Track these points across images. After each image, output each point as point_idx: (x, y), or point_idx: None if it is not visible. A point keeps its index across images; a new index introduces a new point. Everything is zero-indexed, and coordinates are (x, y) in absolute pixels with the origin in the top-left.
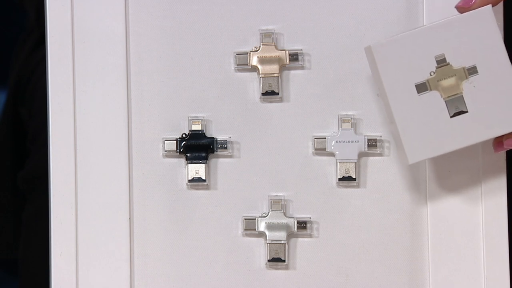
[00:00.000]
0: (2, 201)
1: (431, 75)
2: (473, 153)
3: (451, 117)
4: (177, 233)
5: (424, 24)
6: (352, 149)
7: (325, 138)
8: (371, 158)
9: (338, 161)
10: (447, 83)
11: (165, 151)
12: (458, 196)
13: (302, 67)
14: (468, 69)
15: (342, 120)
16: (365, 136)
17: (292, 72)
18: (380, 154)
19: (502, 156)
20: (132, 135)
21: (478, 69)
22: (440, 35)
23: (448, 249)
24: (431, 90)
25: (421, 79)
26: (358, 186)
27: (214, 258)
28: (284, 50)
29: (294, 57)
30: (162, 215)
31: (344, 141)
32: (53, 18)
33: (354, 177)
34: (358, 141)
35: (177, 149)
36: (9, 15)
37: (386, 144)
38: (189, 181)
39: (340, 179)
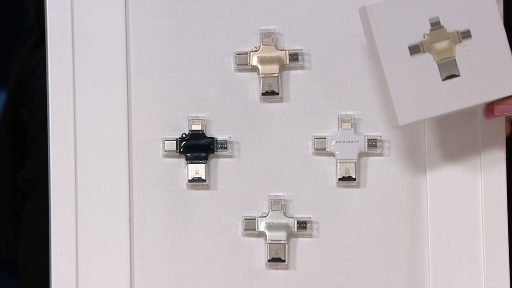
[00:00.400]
0: (2, 201)
1: (424, 37)
2: (472, 152)
3: (443, 80)
4: (177, 233)
5: None
6: (352, 149)
7: (325, 138)
8: (371, 158)
9: (338, 161)
10: (440, 46)
11: (165, 151)
12: (458, 197)
13: (302, 67)
14: (462, 33)
15: (342, 120)
16: (365, 136)
17: (292, 72)
18: (380, 154)
19: (502, 156)
20: (132, 135)
21: (472, 33)
22: None
23: (448, 249)
24: (424, 52)
25: (414, 41)
26: (358, 186)
27: (214, 258)
28: (284, 50)
29: (294, 57)
30: (162, 215)
31: (344, 141)
32: (53, 18)
33: (354, 177)
34: (358, 141)
35: (177, 149)
36: (9, 15)
37: (386, 144)
38: (189, 181)
39: (340, 179)
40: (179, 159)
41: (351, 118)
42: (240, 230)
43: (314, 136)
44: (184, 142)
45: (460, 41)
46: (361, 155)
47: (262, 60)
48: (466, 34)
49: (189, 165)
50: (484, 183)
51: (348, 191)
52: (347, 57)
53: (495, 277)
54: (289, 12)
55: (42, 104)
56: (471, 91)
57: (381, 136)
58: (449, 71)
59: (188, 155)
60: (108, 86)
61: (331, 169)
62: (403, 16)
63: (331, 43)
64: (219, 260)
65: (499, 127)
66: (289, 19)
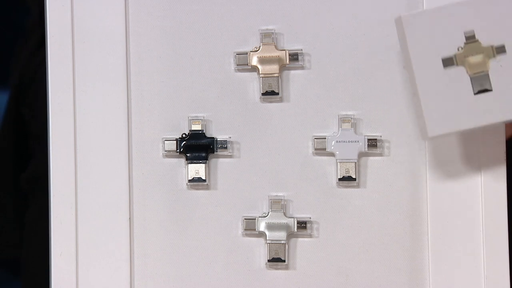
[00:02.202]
0: (5, 202)
1: (459, 50)
2: (472, 152)
3: (475, 94)
4: (177, 233)
5: None
6: (352, 149)
7: (325, 138)
8: (371, 158)
9: (338, 161)
10: (474, 59)
11: (165, 151)
12: (458, 196)
13: (302, 67)
14: (496, 48)
15: (342, 120)
16: (365, 136)
17: (292, 72)
18: (380, 154)
19: (502, 157)
20: (132, 135)
21: (506, 48)
22: (472, 11)
23: (448, 249)
24: (457, 65)
25: (448, 53)
26: (358, 186)
27: (214, 258)
28: (284, 50)
29: (294, 57)
30: (162, 215)
31: (344, 141)
32: (53, 18)
33: (354, 177)
34: (358, 141)
35: (177, 149)
36: (9, 15)
37: (386, 144)
38: (189, 181)
39: (340, 179)
40: (179, 159)
41: (351, 118)
42: (240, 230)
43: (314, 136)
44: (184, 142)
45: (494, 56)
46: (361, 155)
47: (262, 60)
48: (501, 49)
49: (189, 165)
50: (484, 183)
51: (348, 191)
52: (347, 57)
53: (495, 277)
54: (289, 12)
55: (45, 104)
56: (503, 106)
57: (381, 136)
58: (481, 85)
59: (188, 155)
60: (108, 86)
61: (331, 169)
62: (438, 28)
63: (331, 43)
64: (219, 260)
65: (499, 128)
66: (289, 19)
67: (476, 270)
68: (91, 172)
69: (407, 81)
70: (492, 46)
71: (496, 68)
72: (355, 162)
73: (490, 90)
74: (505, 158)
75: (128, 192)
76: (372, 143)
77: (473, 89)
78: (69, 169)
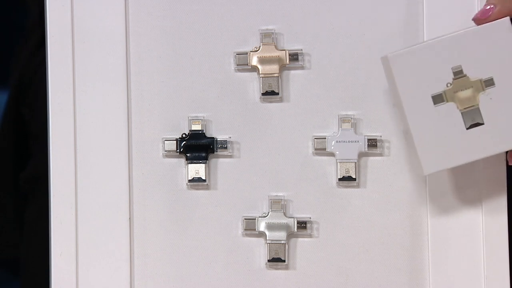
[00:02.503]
0: (5, 202)
1: (447, 86)
2: None
3: (467, 128)
4: (177, 233)
5: (424, 25)
6: (352, 149)
7: (325, 138)
8: (371, 158)
9: (338, 161)
10: (463, 94)
11: (165, 151)
12: (458, 196)
13: (302, 67)
14: (485, 81)
15: (342, 120)
16: (365, 136)
17: (292, 72)
18: (380, 154)
19: (502, 156)
20: (132, 135)
21: (495, 81)
22: (457, 46)
23: (448, 249)
24: (447, 101)
25: (437, 90)
26: (358, 186)
27: (214, 258)
28: (284, 50)
29: (294, 57)
30: (162, 215)
31: (344, 141)
32: (53, 18)
33: (354, 177)
34: (358, 141)
35: (177, 149)
36: (9, 15)
37: (386, 144)
38: (189, 181)
39: (340, 179)
40: (179, 159)
41: (351, 118)
42: (240, 230)
43: (314, 136)
44: (184, 142)
45: (483, 89)
46: (361, 155)
47: (262, 60)
48: (489, 82)
49: (189, 165)
50: (484, 183)
51: (348, 191)
52: (347, 57)
53: (495, 277)
54: (289, 12)
55: (45, 104)
56: (496, 139)
57: (381, 136)
58: (473, 120)
59: (188, 155)
60: (108, 86)
61: (331, 169)
62: (425, 66)
63: (331, 43)
64: (219, 260)
65: None
66: (289, 19)
67: (476, 270)
68: (91, 172)
69: None
70: (480, 80)
71: (486, 101)
72: (355, 162)
73: (482, 124)
74: (505, 158)
75: (128, 192)
76: (372, 143)
77: (464, 124)
78: (69, 169)
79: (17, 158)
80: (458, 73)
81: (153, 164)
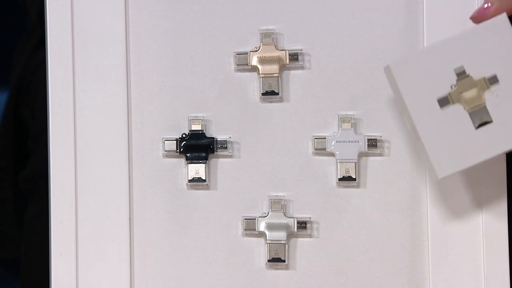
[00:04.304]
0: (5, 201)
1: (452, 88)
2: None
3: (476, 128)
4: (177, 233)
5: (424, 25)
6: (352, 149)
7: (325, 138)
8: (371, 158)
9: (338, 161)
10: (469, 95)
11: (165, 151)
12: (458, 196)
13: (302, 67)
14: (488, 79)
15: (342, 120)
16: (365, 136)
17: (292, 72)
18: (380, 154)
19: (502, 156)
20: (132, 135)
21: (498, 78)
22: (458, 47)
23: (448, 249)
24: (453, 103)
25: (442, 93)
26: (358, 186)
27: (214, 258)
28: (284, 50)
29: (294, 57)
30: (162, 215)
31: (344, 141)
32: (53, 18)
33: (354, 177)
34: (358, 141)
35: (177, 149)
36: (10, 15)
37: (386, 144)
38: (189, 181)
39: (340, 179)
40: (179, 159)
41: (351, 118)
42: (240, 230)
43: (314, 136)
44: (184, 142)
45: (488, 87)
46: (361, 155)
47: (262, 60)
48: (493, 80)
49: (189, 165)
50: (484, 183)
51: (348, 191)
52: (347, 57)
53: (495, 277)
54: (289, 12)
55: (45, 104)
56: (506, 135)
57: (381, 136)
58: (481, 119)
59: (188, 155)
60: (108, 86)
61: (331, 169)
62: (428, 70)
63: (331, 43)
64: (219, 260)
65: None
66: (289, 19)
67: (476, 270)
68: (91, 172)
69: None
70: (484, 78)
71: (492, 99)
72: (355, 162)
73: (491, 122)
74: (505, 158)
75: (128, 192)
76: (372, 143)
77: (473, 124)
78: (69, 169)
79: (17, 158)
80: (461, 74)
81: (153, 164)
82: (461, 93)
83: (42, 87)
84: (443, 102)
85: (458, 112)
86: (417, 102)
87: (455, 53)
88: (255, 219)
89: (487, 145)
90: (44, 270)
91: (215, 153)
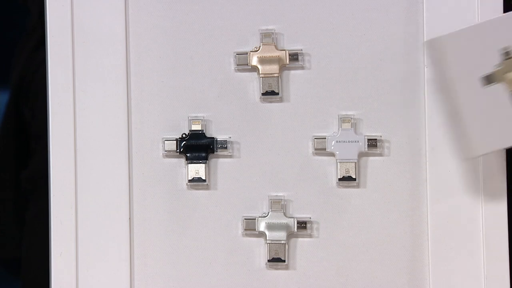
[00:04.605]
0: (5, 201)
1: (497, 67)
2: None
3: None
4: (177, 233)
5: (424, 25)
6: (352, 149)
7: (325, 138)
8: (371, 158)
9: (338, 161)
10: None
11: (165, 151)
12: (458, 196)
13: (302, 67)
14: None
15: (342, 120)
16: (365, 136)
17: (292, 72)
18: (380, 154)
19: (502, 156)
20: (132, 135)
21: None
22: (507, 27)
23: (448, 249)
24: (496, 82)
25: (486, 71)
26: (358, 186)
27: (214, 258)
28: (284, 50)
29: (294, 57)
30: (162, 215)
31: (344, 141)
32: (53, 18)
33: (354, 177)
34: (358, 141)
35: (177, 149)
36: (10, 15)
37: (386, 144)
38: (189, 181)
39: (340, 179)
40: (179, 159)
41: (351, 118)
42: (240, 230)
43: (314, 136)
44: (184, 142)
45: None
46: (361, 155)
47: (262, 60)
48: None
49: (189, 165)
50: (484, 183)
51: (348, 191)
52: (347, 57)
53: (495, 277)
54: (289, 12)
55: (45, 104)
56: None
57: (381, 136)
58: None
59: (188, 155)
60: (108, 86)
61: (331, 169)
62: (474, 47)
63: (331, 43)
64: (219, 260)
65: None
66: (289, 19)
67: (476, 270)
68: (91, 172)
69: (406, 82)
70: None
71: None
72: (355, 162)
73: None
74: (505, 158)
75: (128, 192)
76: (372, 143)
77: None
78: (69, 169)
79: (18, 158)
80: (508, 54)
81: (153, 164)
82: (506, 73)
83: (43, 87)
84: (487, 80)
85: (500, 92)
86: (460, 78)
87: (503, 32)
88: (255, 219)
89: None
90: (44, 270)
91: (215, 153)
